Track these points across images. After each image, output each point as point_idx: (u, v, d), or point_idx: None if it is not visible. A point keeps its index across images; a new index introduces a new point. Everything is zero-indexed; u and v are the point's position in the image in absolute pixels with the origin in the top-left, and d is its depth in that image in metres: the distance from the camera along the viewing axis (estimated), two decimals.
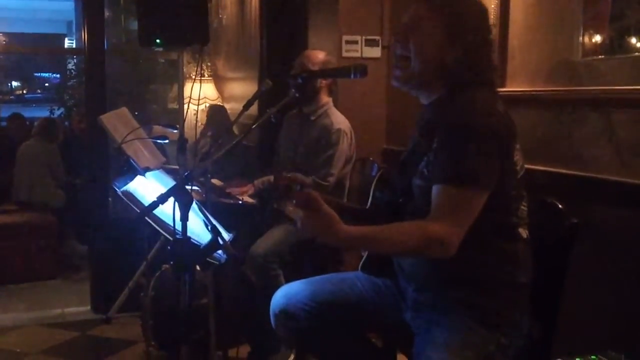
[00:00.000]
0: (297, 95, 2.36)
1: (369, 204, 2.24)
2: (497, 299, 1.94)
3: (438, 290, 1.98)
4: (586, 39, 2.62)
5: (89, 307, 4.49)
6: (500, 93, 2.55)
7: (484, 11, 2.02)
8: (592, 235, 2.30)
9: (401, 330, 2.12)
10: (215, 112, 5.76)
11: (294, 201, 1.80)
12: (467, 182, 1.81)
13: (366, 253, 2.23)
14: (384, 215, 2.13)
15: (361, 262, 2.24)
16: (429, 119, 2.02)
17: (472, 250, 1.84)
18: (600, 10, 2.56)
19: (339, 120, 3.47)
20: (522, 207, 1.99)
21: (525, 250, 1.98)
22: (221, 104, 6.36)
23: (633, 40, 2.45)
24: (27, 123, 7.19)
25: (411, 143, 2.14)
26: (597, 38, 2.59)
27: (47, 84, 19.63)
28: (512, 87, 3.02)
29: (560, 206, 2.08)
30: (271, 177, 3.42)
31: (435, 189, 1.85)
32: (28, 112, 8.10)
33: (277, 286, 2.51)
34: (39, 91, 20.11)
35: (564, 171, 2.73)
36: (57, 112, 8.61)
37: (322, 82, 3.47)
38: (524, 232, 1.98)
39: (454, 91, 1.95)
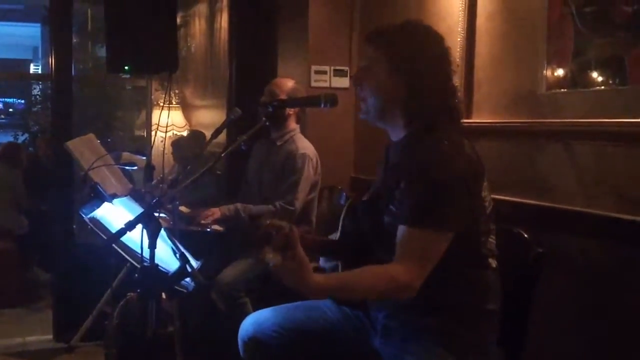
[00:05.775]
0: (267, 123, 2.38)
1: (338, 234, 2.25)
2: (466, 326, 1.96)
3: (409, 317, 1.99)
4: (550, 73, 2.68)
5: (51, 336, 4.40)
6: (466, 125, 2.61)
7: (440, 45, 2.03)
8: (557, 265, 2.34)
9: (371, 359, 2.12)
10: (179, 148, 5.54)
11: (272, 246, 1.76)
12: (433, 225, 1.85)
13: None
14: (354, 247, 2.15)
15: None
16: (394, 158, 2.05)
17: (443, 279, 1.87)
18: (563, 45, 2.62)
19: (304, 145, 3.50)
20: (491, 239, 2.02)
21: (495, 278, 2.01)
22: (183, 135, 6.24)
23: (594, 74, 2.52)
24: None
25: (377, 181, 2.17)
26: (560, 72, 2.65)
27: (11, 110, 19.36)
28: (477, 119, 3.07)
29: (525, 236, 2.12)
30: (238, 205, 3.41)
31: (401, 229, 1.88)
32: None
33: (244, 314, 2.49)
34: (2, 117, 19.82)
35: (528, 201, 2.77)
36: (22, 138, 8.50)
37: (291, 110, 3.50)
38: (493, 262, 2.01)
39: (419, 131, 1.97)
